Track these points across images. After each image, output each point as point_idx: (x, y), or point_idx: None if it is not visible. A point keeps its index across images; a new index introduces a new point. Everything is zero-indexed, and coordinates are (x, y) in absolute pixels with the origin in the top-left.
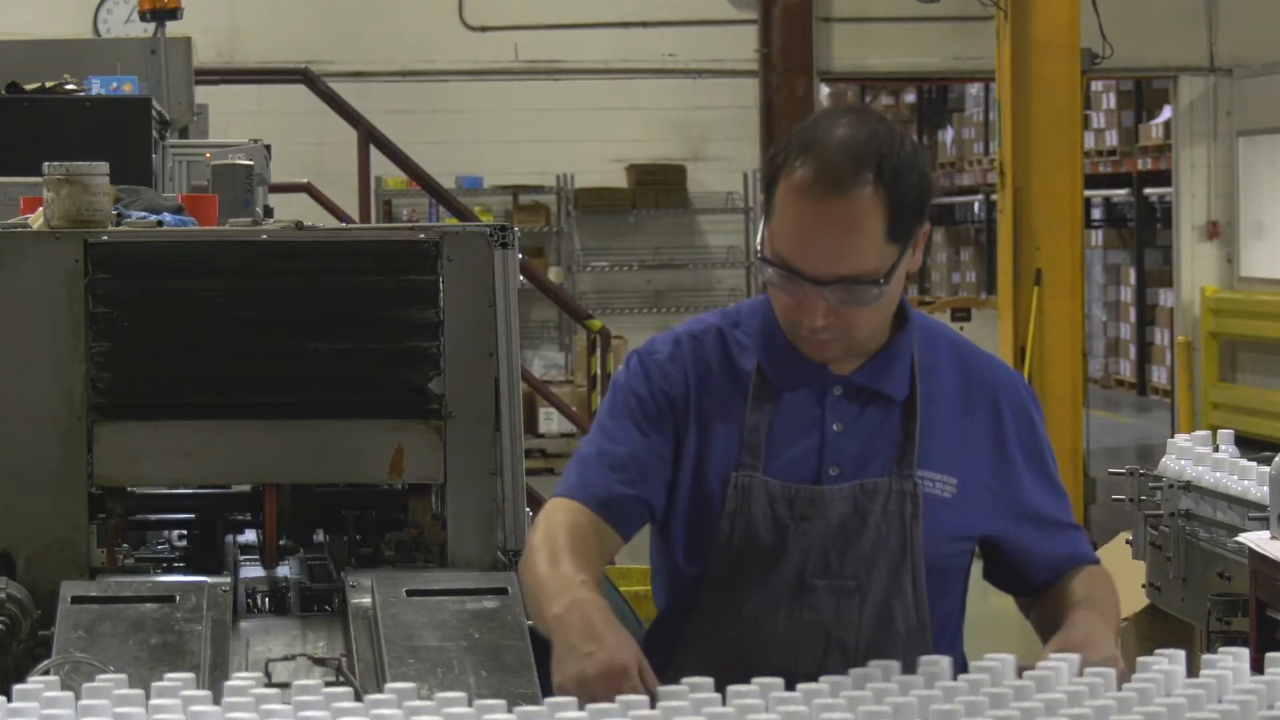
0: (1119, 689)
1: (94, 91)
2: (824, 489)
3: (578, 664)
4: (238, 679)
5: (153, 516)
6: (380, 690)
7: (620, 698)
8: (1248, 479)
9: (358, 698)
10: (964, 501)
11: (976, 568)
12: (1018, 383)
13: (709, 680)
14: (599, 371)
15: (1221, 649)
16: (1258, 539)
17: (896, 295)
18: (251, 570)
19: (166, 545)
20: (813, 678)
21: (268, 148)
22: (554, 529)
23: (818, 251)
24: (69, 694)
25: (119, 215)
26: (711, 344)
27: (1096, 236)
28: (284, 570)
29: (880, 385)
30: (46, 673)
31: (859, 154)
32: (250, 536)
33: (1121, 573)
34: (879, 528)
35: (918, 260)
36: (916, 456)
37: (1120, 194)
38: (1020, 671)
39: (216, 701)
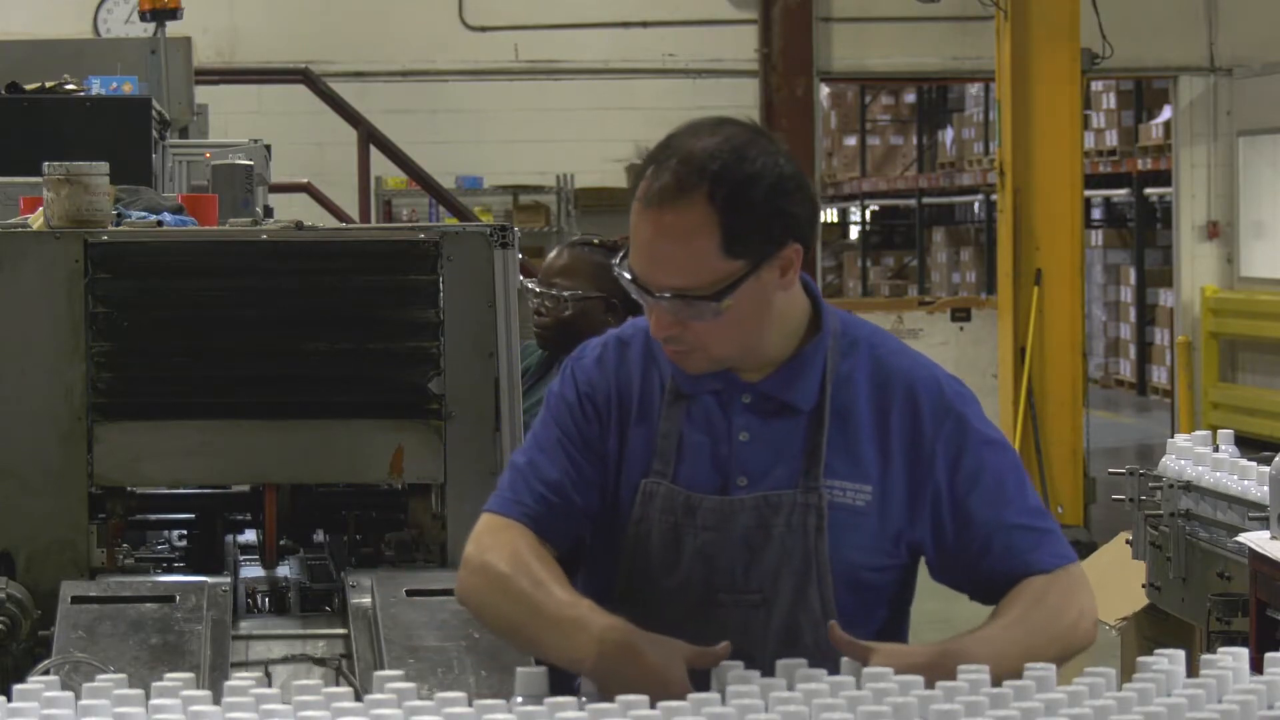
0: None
1: (94, 91)
2: (726, 500)
3: (631, 687)
4: (238, 679)
5: (153, 516)
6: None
7: (620, 699)
8: (1248, 479)
9: (358, 698)
10: (880, 509)
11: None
12: (942, 383)
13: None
14: None
15: (1221, 649)
16: (1258, 539)
17: (758, 311)
18: (251, 570)
19: (166, 545)
20: (722, 694)
21: (268, 148)
22: (519, 552)
23: (651, 262)
24: (69, 694)
25: (119, 215)
26: (637, 349)
27: (1096, 236)
28: (284, 570)
29: (786, 395)
30: (46, 673)
31: (695, 168)
32: (250, 536)
33: (1121, 573)
34: (783, 540)
35: (790, 281)
36: (822, 468)
37: (1120, 194)
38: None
39: (216, 701)
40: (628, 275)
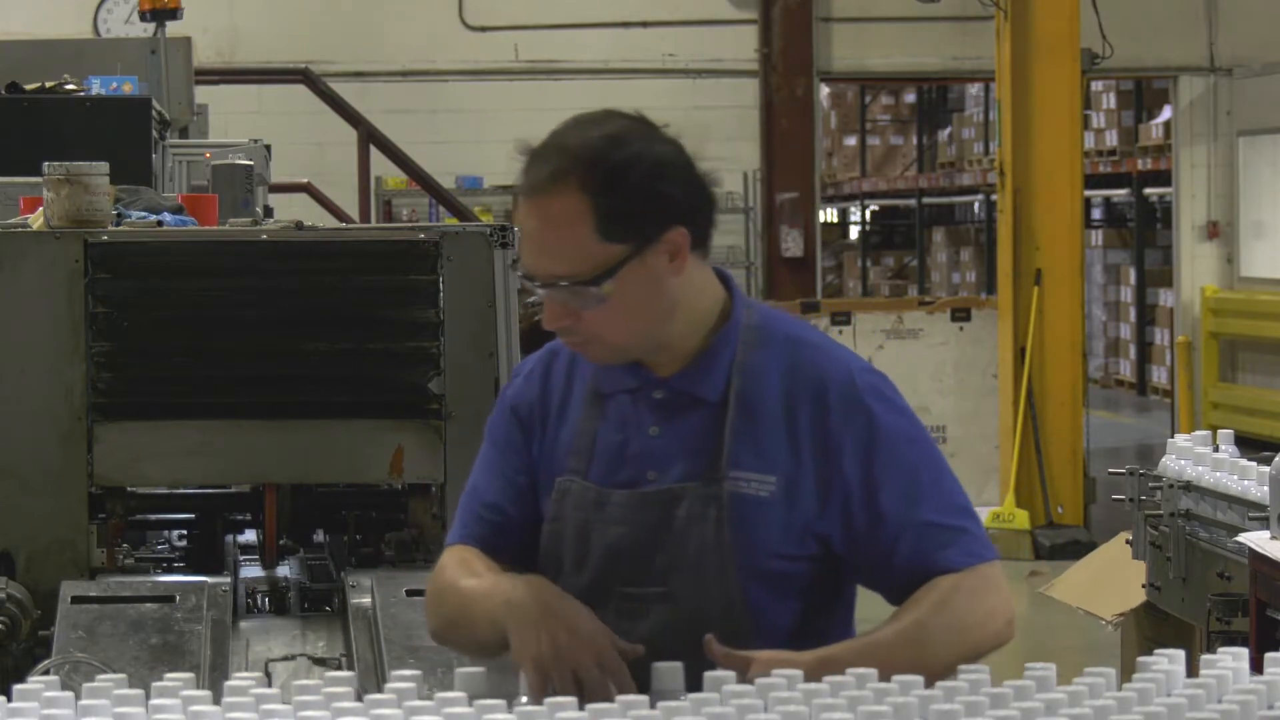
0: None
1: (94, 91)
2: (631, 494)
3: (549, 637)
4: (238, 679)
5: (153, 516)
6: (380, 690)
7: (619, 698)
8: (1248, 479)
9: (358, 698)
10: (785, 500)
11: None
12: (855, 376)
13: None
14: None
15: (1221, 649)
16: (1258, 539)
17: (648, 298)
18: (251, 570)
19: (166, 545)
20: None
21: (268, 148)
22: (458, 561)
23: (534, 252)
24: (69, 694)
25: (119, 215)
26: (564, 355)
27: (1096, 236)
28: (284, 570)
29: (694, 388)
30: (46, 673)
31: (568, 156)
32: (250, 536)
33: (1121, 573)
34: (684, 533)
35: (680, 266)
36: (726, 459)
37: (1120, 194)
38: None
39: (216, 701)
40: (518, 270)
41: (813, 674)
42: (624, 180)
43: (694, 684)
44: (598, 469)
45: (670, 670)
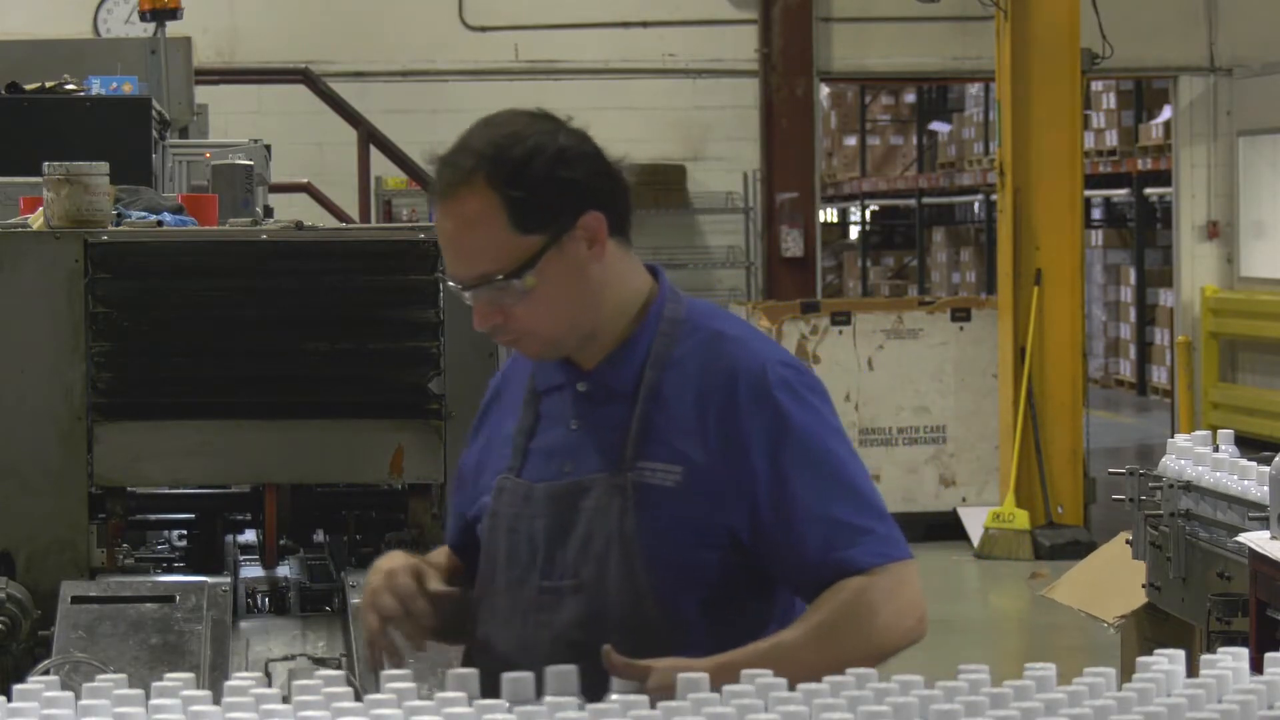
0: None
1: (94, 91)
2: (546, 486)
3: (367, 586)
4: (238, 679)
5: (153, 516)
6: (379, 690)
7: (618, 698)
8: (1248, 479)
9: (358, 698)
10: (689, 491)
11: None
12: (768, 370)
13: (704, 677)
14: None
15: (1221, 649)
16: (1258, 539)
17: (572, 286)
18: (251, 570)
19: (166, 545)
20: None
21: (268, 148)
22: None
23: (454, 255)
24: (69, 694)
25: (119, 215)
26: (521, 360)
27: (1096, 236)
28: (284, 570)
29: (609, 380)
30: (46, 673)
31: (472, 155)
32: (250, 536)
33: (1122, 574)
34: (591, 523)
35: (600, 252)
36: (631, 450)
37: (1120, 194)
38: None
39: (216, 701)
40: (444, 276)
41: (715, 679)
42: (529, 171)
43: (603, 679)
44: (531, 465)
45: (563, 674)
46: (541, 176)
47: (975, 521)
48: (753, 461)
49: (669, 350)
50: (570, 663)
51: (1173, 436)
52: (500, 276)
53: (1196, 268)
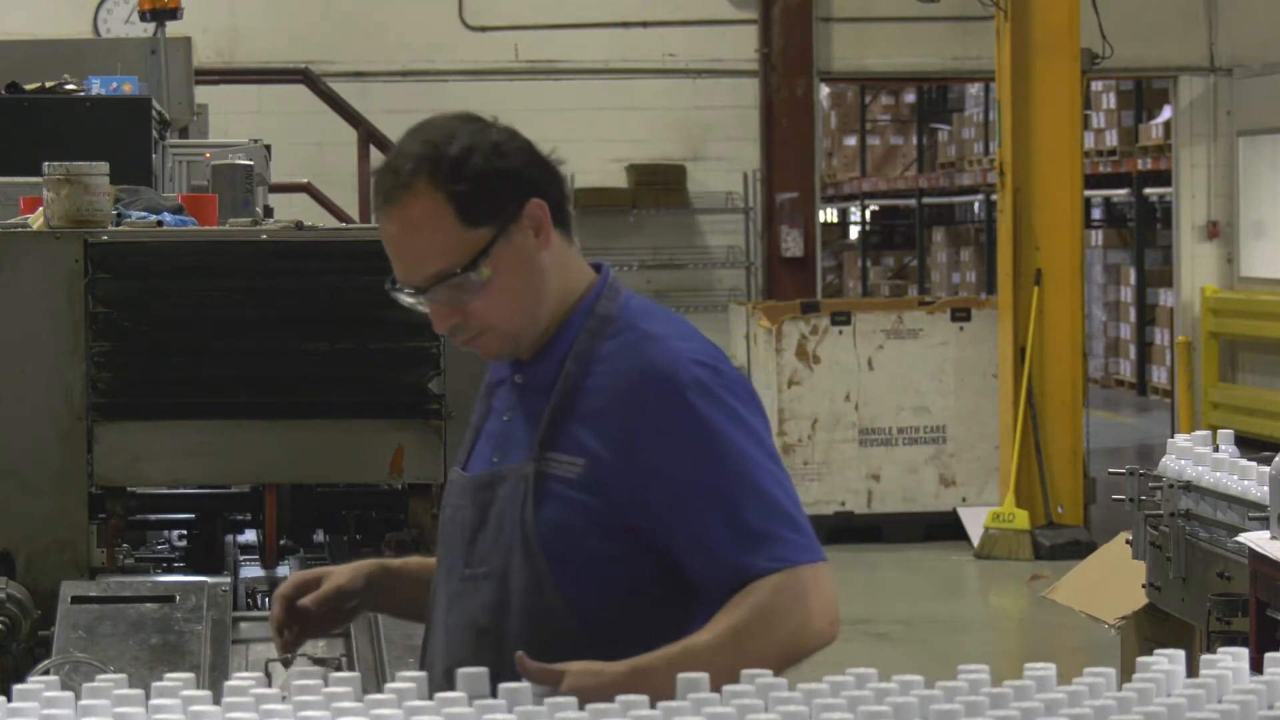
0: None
1: (94, 91)
2: (470, 477)
3: None
4: (238, 679)
5: (153, 516)
6: (380, 690)
7: (619, 698)
8: (1248, 479)
9: (358, 698)
10: (589, 484)
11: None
12: (681, 370)
13: (704, 677)
14: None
15: (1221, 649)
16: (1258, 539)
17: (526, 275)
18: (251, 570)
19: (166, 545)
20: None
21: (268, 148)
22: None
23: (404, 260)
24: (69, 694)
25: (119, 215)
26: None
27: (1096, 236)
28: (284, 570)
29: (538, 372)
30: (46, 673)
31: (410, 159)
32: (250, 536)
33: (1122, 575)
34: (501, 513)
35: (546, 240)
36: (542, 440)
37: (1120, 194)
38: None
39: (216, 701)
40: (395, 289)
41: (626, 684)
42: (469, 165)
43: (512, 671)
44: (474, 457)
45: (474, 676)
46: (481, 169)
47: (975, 521)
48: (652, 462)
49: (593, 345)
50: (481, 650)
51: (1173, 436)
52: (457, 271)
53: (1196, 268)
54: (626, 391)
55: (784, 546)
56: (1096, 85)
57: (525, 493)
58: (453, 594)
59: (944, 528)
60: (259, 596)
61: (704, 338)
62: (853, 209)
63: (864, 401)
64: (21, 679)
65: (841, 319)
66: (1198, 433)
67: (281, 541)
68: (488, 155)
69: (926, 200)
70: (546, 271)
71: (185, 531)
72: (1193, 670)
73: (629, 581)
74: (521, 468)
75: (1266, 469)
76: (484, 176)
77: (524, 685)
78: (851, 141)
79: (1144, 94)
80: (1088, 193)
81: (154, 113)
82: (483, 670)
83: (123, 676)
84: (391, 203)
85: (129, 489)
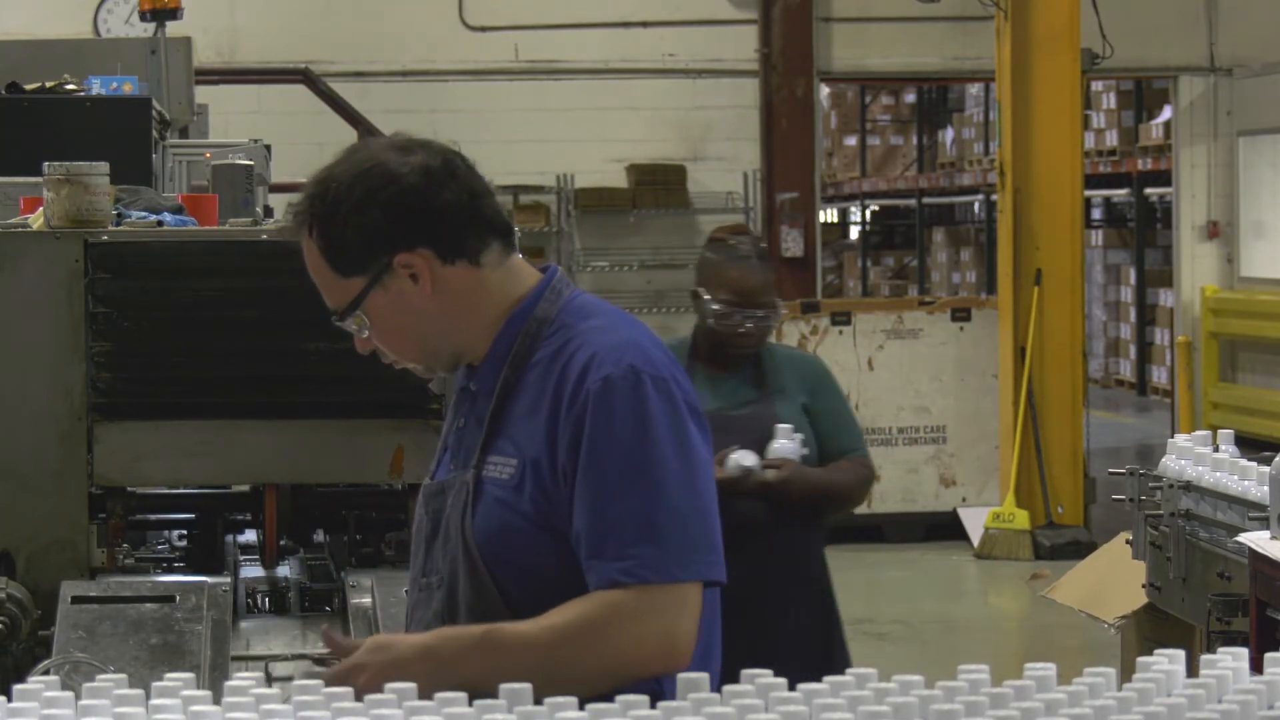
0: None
1: (94, 91)
2: (427, 485)
3: None
4: (238, 679)
5: (153, 516)
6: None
7: (619, 698)
8: (1248, 479)
9: (358, 698)
10: (521, 486)
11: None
12: (598, 372)
13: (704, 677)
14: None
15: (1221, 649)
16: (1258, 539)
17: (410, 317)
18: (251, 570)
19: (166, 545)
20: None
21: (268, 148)
22: None
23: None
24: (69, 694)
25: (119, 215)
26: None
27: (1096, 236)
28: (284, 570)
29: (483, 379)
30: (46, 673)
31: (303, 201)
32: (250, 536)
33: (1123, 574)
34: (449, 519)
35: (426, 287)
36: (481, 445)
37: (1120, 194)
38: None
39: (216, 701)
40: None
41: (415, 661)
42: (335, 223)
43: None
44: (440, 465)
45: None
46: (339, 229)
47: (975, 521)
48: (563, 459)
49: (530, 348)
50: None
51: (1173, 436)
52: (335, 316)
53: (1196, 268)
54: (552, 391)
55: (647, 559)
56: (1096, 85)
57: (466, 500)
58: (413, 603)
59: (944, 528)
60: (259, 596)
61: (646, 334)
62: (853, 209)
63: (864, 401)
64: (21, 679)
65: (842, 319)
66: (1198, 433)
67: (281, 541)
68: (349, 214)
69: (926, 200)
70: (436, 312)
71: (185, 531)
72: (1193, 670)
73: (569, 582)
74: (464, 474)
75: (1266, 469)
76: (343, 233)
77: (524, 686)
78: (851, 141)
79: (1144, 94)
80: (1088, 193)
81: (154, 113)
82: None
83: (123, 676)
84: (298, 237)
85: (129, 489)
